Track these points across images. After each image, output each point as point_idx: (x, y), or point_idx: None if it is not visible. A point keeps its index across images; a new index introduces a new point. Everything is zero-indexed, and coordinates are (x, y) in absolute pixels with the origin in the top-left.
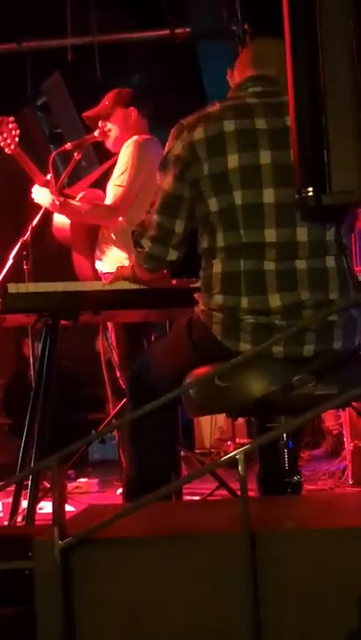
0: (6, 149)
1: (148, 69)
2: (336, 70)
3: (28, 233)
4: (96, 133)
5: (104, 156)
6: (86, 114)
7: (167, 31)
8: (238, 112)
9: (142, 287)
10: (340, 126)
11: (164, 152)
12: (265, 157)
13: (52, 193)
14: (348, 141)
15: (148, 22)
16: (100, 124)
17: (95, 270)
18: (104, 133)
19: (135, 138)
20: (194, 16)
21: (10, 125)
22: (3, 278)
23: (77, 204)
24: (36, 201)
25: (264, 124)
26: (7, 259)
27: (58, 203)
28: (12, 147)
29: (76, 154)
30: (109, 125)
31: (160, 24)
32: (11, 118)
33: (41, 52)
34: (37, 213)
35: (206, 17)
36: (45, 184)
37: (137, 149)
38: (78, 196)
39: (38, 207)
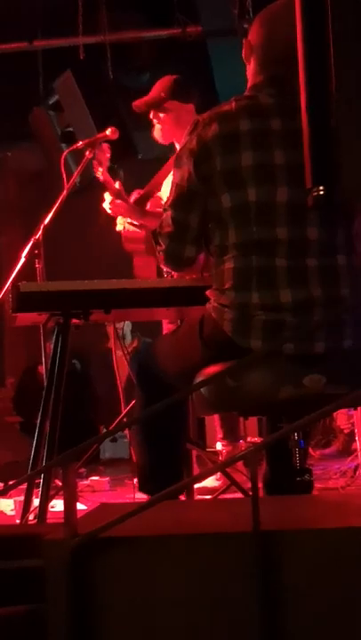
0: (98, 174)
1: (160, 68)
2: (348, 67)
3: (40, 232)
4: (108, 132)
5: (117, 153)
6: (137, 103)
7: (179, 30)
8: (254, 112)
9: (153, 285)
10: (351, 124)
11: (180, 147)
12: (279, 157)
13: (125, 201)
14: (359, 139)
15: (160, 21)
16: (151, 115)
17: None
18: (116, 130)
19: None
20: (205, 14)
21: (103, 148)
22: (15, 277)
23: (153, 211)
24: (112, 214)
25: (279, 125)
26: (19, 257)
27: (136, 214)
28: (102, 170)
29: (87, 152)
30: (162, 117)
31: (171, 23)
32: (105, 145)
33: (52, 50)
34: (49, 212)
35: (217, 15)
36: (117, 193)
37: None
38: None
39: (50, 205)
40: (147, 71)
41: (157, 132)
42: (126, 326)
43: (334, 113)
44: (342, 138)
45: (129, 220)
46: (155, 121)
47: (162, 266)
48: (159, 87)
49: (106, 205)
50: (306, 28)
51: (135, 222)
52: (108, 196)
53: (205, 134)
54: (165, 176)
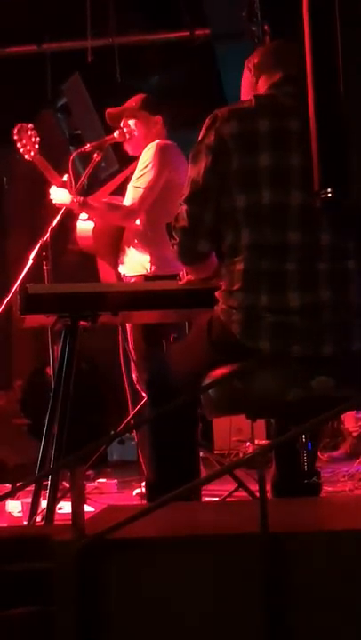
0: (26, 156)
1: (168, 71)
2: (357, 70)
3: (48, 234)
4: (116, 134)
5: (124, 157)
6: (110, 110)
7: (186, 32)
8: (274, 111)
9: (161, 288)
10: (360, 127)
11: (197, 140)
12: (296, 159)
13: (70, 193)
14: None
15: (167, 24)
16: (122, 123)
17: (120, 276)
18: (124, 133)
19: (157, 141)
20: (212, 17)
21: (29, 132)
22: (23, 279)
23: (96, 203)
24: (55, 202)
25: (297, 126)
26: (27, 259)
27: (77, 201)
28: (32, 153)
29: (95, 155)
30: (132, 125)
31: (179, 25)
32: (30, 125)
33: (61, 53)
34: (57, 214)
35: (225, 18)
36: (62, 185)
37: (159, 152)
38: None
39: (58, 208)
40: (155, 74)
41: (128, 145)
42: None
43: (343, 114)
44: (351, 141)
45: (81, 217)
46: (125, 130)
47: (177, 259)
48: (132, 100)
49: (53, 196)
50: (313, 30)
51: (85, 216)
52: (53, 188)
53: (224, 130)
54: (111, 189)
